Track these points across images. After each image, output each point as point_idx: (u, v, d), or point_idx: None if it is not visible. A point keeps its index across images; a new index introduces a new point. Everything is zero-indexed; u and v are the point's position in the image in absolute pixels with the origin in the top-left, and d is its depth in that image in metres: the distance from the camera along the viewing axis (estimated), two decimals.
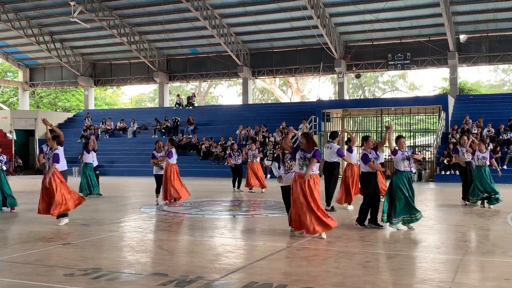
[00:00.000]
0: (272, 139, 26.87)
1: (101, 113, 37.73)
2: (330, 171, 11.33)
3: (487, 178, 11.90)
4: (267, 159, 25.24)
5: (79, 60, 38.28)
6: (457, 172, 15.17)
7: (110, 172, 27.01)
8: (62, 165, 9.91)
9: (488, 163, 12.03)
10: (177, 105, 35.81)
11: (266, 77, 39.48)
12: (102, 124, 33.88)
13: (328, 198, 11.28)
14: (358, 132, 28.34)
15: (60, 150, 9.71)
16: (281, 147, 8.47)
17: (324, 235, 7.86)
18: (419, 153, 8.23)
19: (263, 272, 5.93)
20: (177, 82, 44.19)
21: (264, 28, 32.20)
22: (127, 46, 34.65)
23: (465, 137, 12.74)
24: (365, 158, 8.88)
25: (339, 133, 12.52)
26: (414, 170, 8.64)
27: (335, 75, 34.70)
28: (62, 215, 9.55)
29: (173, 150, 12.65)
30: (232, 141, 24.97)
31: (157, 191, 13.08)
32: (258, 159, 16.84)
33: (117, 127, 33.57)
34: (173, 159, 12.63)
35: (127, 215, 11.14)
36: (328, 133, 11.78)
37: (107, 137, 33.06)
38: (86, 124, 33.80)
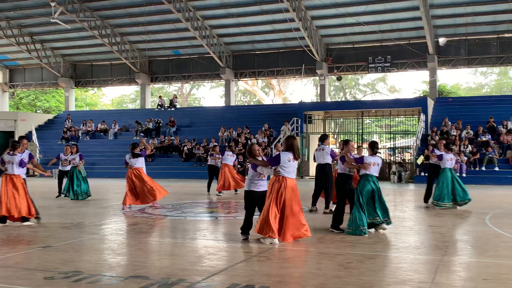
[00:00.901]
0: (254, 140, 26.88)
1: (81, 115, 37.37)
2: (323, 172, 11.37)
3: (450, 183, 12.17)
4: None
5: (60, 61, 37.87)
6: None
7: (91, 174, 26.62)
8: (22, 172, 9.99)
9: (451, 165, 12.34)
10: (159, 107, 35.66)
11: (249, 79, 39.56)
12: (83, 125, 33.58)
13: (326, 201, 11.33)
14: (340, 133, 28.55)
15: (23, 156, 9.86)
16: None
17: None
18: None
19: (245, 274, 5.94)
20: (159, 84, 44.05)
21: (246, 30, 32.27)
22: (108, 47, 34.42)
23: (443, 141, 13.01)
24: (360, 159, 8.92)
25: (329, 136, 12.60)
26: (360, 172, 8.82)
27: (317, 77, 34.92)
28: (27, 219, 9.67)
29: (127, 156, 12.46)
30: (215, 143, 24.87)
31: None
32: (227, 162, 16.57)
33: (98, 129, 33.29)
34: (132, 163, 12.37)
35: (108, 218, 11.04)
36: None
37: (88, 138, 32.77)
38: (66, 126, 33.45)
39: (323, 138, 11.64)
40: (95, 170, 27.61)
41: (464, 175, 21.70)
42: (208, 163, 17.30)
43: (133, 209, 12.32)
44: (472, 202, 12.45)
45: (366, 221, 8.48)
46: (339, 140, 13.88)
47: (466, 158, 22.29)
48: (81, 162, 15.49)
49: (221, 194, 16.20)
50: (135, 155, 12.40)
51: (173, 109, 34.95)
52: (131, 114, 36.37)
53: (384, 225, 8.74)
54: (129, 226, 9.92)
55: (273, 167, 7.82)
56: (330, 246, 7.57)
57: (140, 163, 12.45)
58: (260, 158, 8.03)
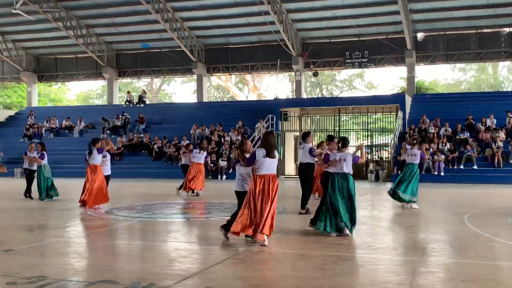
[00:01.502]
0: (227, 138, 26.57)
1: (45, 111, 36.39)
2: (305, 172, 11.10)
3: (400, 176, 12.20)
4: (222, 160, 24.93)
5: (22, 54, 36.88)
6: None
7: (55, 173, 25.63)
8: None
9: (413, 160, 12.20)
10: (127, 103, 34.97)
11: (222, 74, 39.19)
12: (47, 122, 32.68)
13: (304, 201, 11.01)
14: (316, 131, 28.38)
15: None
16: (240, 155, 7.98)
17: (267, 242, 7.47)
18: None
19: (219, 277, 5.83)
20: (127, 79, 43.17)
21: (219, 23, 31.79)
22: (73, 40, 33.50)
23: (414, 136, 13.08)
24: (325, 158, 8.68)
25: (311, 133, 12.32)
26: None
27: (293, 73, 34.71)
28: None
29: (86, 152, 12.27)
30: (187, 141, 24.46)
31: None
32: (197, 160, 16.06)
33: (63, 126, 32.49)
34: (89, 160, 12.12)
35: (74, 219, 10.70)
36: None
37: (52, 136, 31.78)
38: (29, 123, 32.56)
39: (305, 136, 11.38)
40: (59, 169, 26.74)
41: (442, 173, 21.71)
42: (182, 162, 16.86)
43: (99, 210, 11.91)
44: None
45: (329, 221, 8.12)
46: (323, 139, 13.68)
47: (444, 156, 22.25)
48: (39, 158, 14.97)
49: (193, 193, 15.74)
50: (90, 151, 12.21)
51: (142, 105, 34.32)
52: (97, 111, 35.55)
53: (347, 231, 8.19)
54: (96, 228, 9.62)
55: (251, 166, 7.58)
56: (305, 248, 7.46)
57: (97, 161, 12.13)
58: (248, 156, 7.79)
